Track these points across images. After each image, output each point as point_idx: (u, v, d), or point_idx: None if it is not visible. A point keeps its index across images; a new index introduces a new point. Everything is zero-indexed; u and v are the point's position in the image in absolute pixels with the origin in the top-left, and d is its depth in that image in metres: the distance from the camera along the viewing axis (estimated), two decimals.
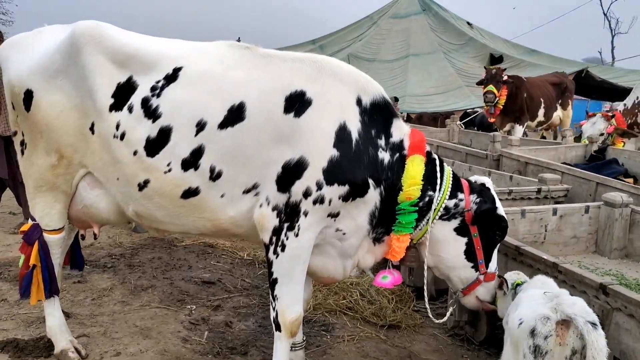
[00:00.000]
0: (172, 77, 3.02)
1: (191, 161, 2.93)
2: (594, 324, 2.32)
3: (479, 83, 11.01)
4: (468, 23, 23.73)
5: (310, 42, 23.57)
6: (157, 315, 4.31)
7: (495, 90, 10.43)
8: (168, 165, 2.95)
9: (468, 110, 16.37)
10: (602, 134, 7.93)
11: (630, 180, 6.51)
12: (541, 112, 11.34)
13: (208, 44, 3.22)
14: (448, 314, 3.64)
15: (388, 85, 19.69)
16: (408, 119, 16.87)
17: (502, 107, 10.66)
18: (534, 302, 2.52)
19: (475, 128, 13.90)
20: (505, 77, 10.61)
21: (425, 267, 3.35)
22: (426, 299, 3.50)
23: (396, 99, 16.39)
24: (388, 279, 3.30)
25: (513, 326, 2.53)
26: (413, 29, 22.24)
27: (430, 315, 3.46)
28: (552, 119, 11.70)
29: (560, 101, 11.89)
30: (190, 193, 2.98)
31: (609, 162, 6.91)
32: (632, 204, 4.71)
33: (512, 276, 3.25)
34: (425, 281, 3.48)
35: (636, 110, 8.38)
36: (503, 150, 7.24)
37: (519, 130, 10.90)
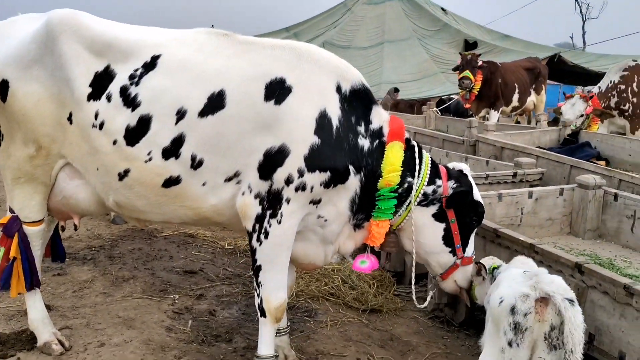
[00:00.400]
0: (150, 65, 3.00)
1: (172, 150, 2.92)
2: (571, 301, 2.41)
3: (455, 69, 11.10)
4: (442, 9, 23.78)
5: (285, 29, 23.36)
6: (140, 305, 4.30)
7: (471, 76, 10.52)
8: (148, 154, 2.94)
9: (444, 97, 16.49)
10: (581, 115, 8.01)
11: (603, 162, 6.67)
12: (515, 97, 11.48)
13: (186, 32, 3.20)
14: (429, 298, 3.70)
15: (364, 73, 19.18)
16: (384, 106, 16.92)
17: (477, 92, 10.77)
18: (514, 281, 2.59)
19: (451, 114, 14.04)
20: (480, 63, 10.71)
21: (413, 253, 3.37)
22: (413, 284, 3.53)
23: (396, 90, 16.42)
24: (366, 263, 3.35)
25: (494, 305, 2.60)
26: (387, 15, 22.20)
27: (414, 300, 3.51)
28: (526, 103, 11.86)
29: (534, 86, 12.06)
30: (172, 182, 2.97)
31: (582, 146, 7.07)
32: (604, 186, 4.84)
33: (487, 261, 3.33)
34: (413, 267, 3.53)
35: (609, 94, 8.56)
36: (479, 136, 7.35)
37: (494, 115, 11.04)
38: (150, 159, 2.95)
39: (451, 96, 15.82)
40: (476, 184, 5.49)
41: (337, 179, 2.99)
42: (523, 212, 4.82)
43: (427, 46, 21.26)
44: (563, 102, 8.41)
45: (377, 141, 3.13)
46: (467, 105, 11.14)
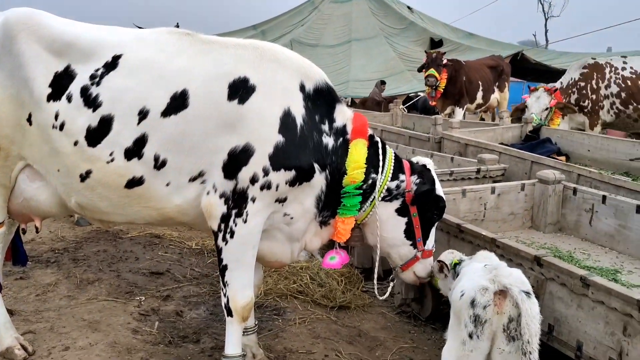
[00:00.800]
0: (111, 65, 2.97)
1: (134, 150, 2.90)
2: (527, 293, 2.48)
3: (421, 68, 11.24)
4: (408, 7, 24.01)
5: (252, 27, 23.27)
6: (105, 308, 4.25)
7: (436, 74, 10.67)
8: (110, 154, 2.91)
9: (411, 94, 16.67)
10: (546, 108, 8.19)
11: (563, 158, 6.85)
12: (480, 94, 11.69)
13: (148, 31, 3.18)
14: (389, 289, 3.72)
15: (332, 70, 19.73)
16: (352, 104, 17.03)
17: (442, 90, 10.93)
18: (475, 275, 2.66)
19: (418, 112, 14.20)
20: (445, 61, 10.87)
21: (377, 247, 3.42)
22: (375, 278, 3.62)
23: (383, 82, 16.49)
24: (336, 259, 3.39)
25: (455, 298, 2.67)
26: (354, 14, 22.31)
27: (376, 293, 3.59)
28: (490, 101, 12.09)
29: (497, 84, 12.29)
30: (135, 182, 2.95)
31: (543, 142, 7.24)
32: (564, 181, 4.97)
33: (447, 255, 3.39)
34: (376, 261, 3.60)
35: (569, 91, 8.78)
36: (444, 133, 7.46)
37: (459, 112, 11.22)
38: (112, 160, 2.91)
39: (418, 93, 16.00)
40: (441, 180, 5.60)
41: (303, 177, 3.01)
42: (486, 207, 4.92)
43: (394, 44, 21.44)
44: (528, 95, 8.58)
45: (341, 139, 3.16)
46: (433, 103, 11.31)
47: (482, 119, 12.74)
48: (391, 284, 3.83)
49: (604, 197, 4.56)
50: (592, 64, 8.86)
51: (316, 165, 3.04)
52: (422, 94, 14.78)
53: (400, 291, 4.55)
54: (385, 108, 12.99)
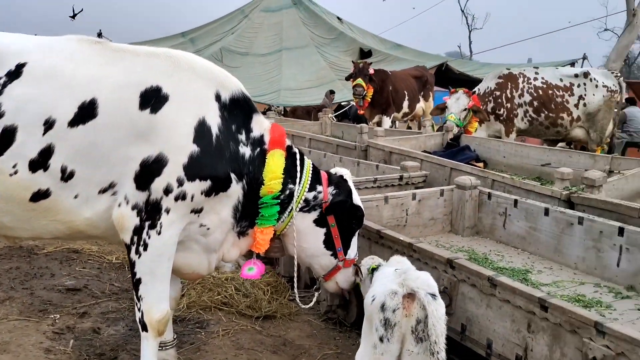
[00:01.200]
0: (15, 74, 2.84)
1: (40, 162, 2.78)
2: (433, 295, 2.58)
3: (348, 77, 11.45)
4: (338, 18, 24.40)
5: (180, 34, 22.89)
6: (16, 327, 4.03)
7: (363, 84, 10.90)
8: (14, 167, 2.78)
9: (343, 103, 16.93)
10: (465, 109, 8.56)
11: (481, 164, 7.16)
12: (406, 103, 12.04)
13: (56, 39, 3.07)
14: (314, 299, 3.79)
15: (263, 79, 19.75)
16: (284, 113, 17.09)
17: (370, 99, 11.17)
18: (385, 280, 2.74)
19: (350, 120, 14.43)
20: (371, 71, 11.12)
21: (296, 258, 3.47)
22: (295, 287, 3.65)
23: (332, 92, 16.56)
24: (254, 270, 3.39)
25: (367, 303, 2.73)
26: (285, 23, 22.43)
27: (297, 301, 3.63)
28: (415, 110, 12.47)
29: (422, 93, 12.71)
30: (40, 195, 2.83)
31: (463, 149, 7.54)
32: (479, 186, 5.19)
33: (367, 261, 3.48)
34: (295, 271, 3.62)
35: (486, 100, 9.21)
36: (370, 141, 7.62)
37: (386, 121, 11.49)
38: (15, 172, 2.78)
39: (350, 102, 16.26)
40: (365, 187, 5.76)
41: (219, 187, 2.99)
42: (408, 213, 5.06)
43: (325, 54, 21.71)
44: (448, 97, 8.94)
45: (258, 149, 3.17)
46: (361, 112, 11.53)
47: (409, 127, 13.11)
48: (316, 293, 3.87)
49: (516, 201, 4.80)
50: (506, 74, 9.35)
51: (233, 175, 3.03)
52: (353, 103, 15.04)
53: (325, 298, 4.59)
54: (315, 117, 13.12)
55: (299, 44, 21.79)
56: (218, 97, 3.06)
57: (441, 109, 9.08)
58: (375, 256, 3.57)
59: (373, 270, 3.31)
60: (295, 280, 3.67)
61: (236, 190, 3.07)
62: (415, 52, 22.96)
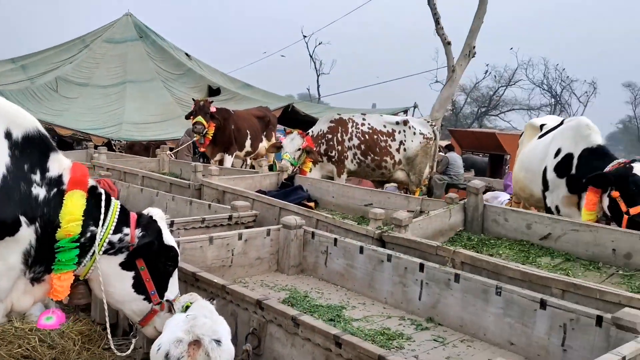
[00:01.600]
0: None
1: None
2: (218, 341, 2.60)
3: (188, 115, 11.35)
4: (187, 54, 24.21)
5: (10, 60, 21.08)
6: None
7: (203, 121, 10.83)
8: None
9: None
10: (299, 149, 8.97)
11: (312, 204, 7.45)
12: (248, 142, 12.19)
13: None
14: (132, 346, 3.64)
15: (104, 112, 18.78)
16: (128, 148, 16.29)
17: (211, 137, 11.13)
18: (174, 327, 2.70)
19: (198, 156, 14.16)
20: (213, 109, 11.13)
21: (105, 303, 3.31)
22: (109, 333, 3.48)
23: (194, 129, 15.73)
24: (52, 319, 3.20)
25: (153, 352, 2.67)
26: (130, 55, 21.70)
27: (113, 347, 3.47)
28: (258, 149, 12.66)
29: (265, 133, 12.97)
30: None
31: (296, 189, 7.81)
32: (304, 225, 5.38)
33: (185, 298, 3.42)
34: (106, 316, 3.45)
35: (320, 142, 9.71)
36: (204, 180, 7.57)
37: (228, 159, 11.51)
38: None
39: (194, 139, 16.02)
40: (193, 228, 5.68)
41: (5, 231, 2.77)
42: (234, 253, 5.07)
43: (172, 89, 21.32)
44: (284, 137, 9.30)
45: (55, 189, 3.00)
46: (202, 149, 11.43)
47: (253, 167, 13.25)
48: (133, 340, 3.70)
49: (335, 239, 5.05)
50: (337, 119, 10.01)
51: (23, 218, 2.83)
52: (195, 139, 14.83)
53: (142, 345, 4.39)
54: (153, 153, 12.74)
55: (144, 78, 21.17)
56: (8, 135, 2.86)
57: (277, 147, 9.40)
58: (194, 293, 3.52)
59: (186, 308, 3.26)
60: (107, 326, 3.49)
61: (27, 234, 2.86)
62: (263, 92, 23.46)
